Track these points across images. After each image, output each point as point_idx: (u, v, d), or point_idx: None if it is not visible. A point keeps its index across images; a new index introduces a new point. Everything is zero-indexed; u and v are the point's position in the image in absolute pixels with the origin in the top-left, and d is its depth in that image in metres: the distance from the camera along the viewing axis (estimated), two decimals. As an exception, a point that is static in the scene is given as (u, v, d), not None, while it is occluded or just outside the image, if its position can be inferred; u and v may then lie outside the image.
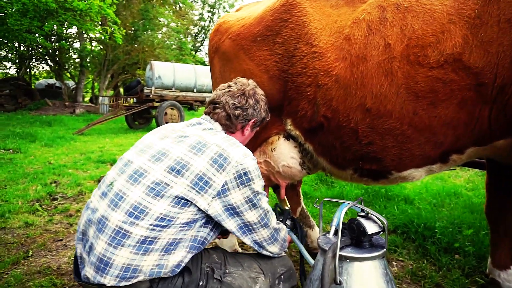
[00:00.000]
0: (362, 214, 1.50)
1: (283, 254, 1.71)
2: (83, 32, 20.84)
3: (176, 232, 1.41)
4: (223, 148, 1.49)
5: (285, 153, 2.20)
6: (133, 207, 1.38)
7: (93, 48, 24.92)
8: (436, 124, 1.70)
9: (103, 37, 18.55)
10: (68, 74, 28.20)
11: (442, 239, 2.85)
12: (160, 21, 24.64)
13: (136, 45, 23.88)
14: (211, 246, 1.84)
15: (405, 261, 2.72)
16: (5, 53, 24.55)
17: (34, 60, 26.88)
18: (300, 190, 2.95)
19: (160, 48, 23.55)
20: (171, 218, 1.39)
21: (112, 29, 17.14)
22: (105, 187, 1.51)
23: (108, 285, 1.35)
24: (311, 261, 1.66)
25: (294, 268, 1.73)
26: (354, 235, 1.45)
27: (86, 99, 31.72)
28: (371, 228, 1.42)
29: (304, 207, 2.93)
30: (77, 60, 25.61)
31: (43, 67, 32.35)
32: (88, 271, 1.38)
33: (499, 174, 2.10)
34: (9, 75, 29.31)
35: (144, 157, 1.51)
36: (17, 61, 25.98)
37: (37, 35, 16.15)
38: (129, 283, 1.36)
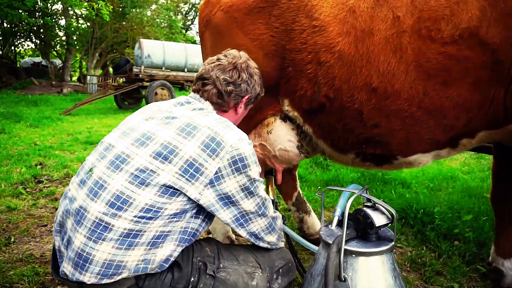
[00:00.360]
0: (368, 204, 1.38)
1: (281, 245, 1.59)
2: (68, 8, 20.08)
3: (164, 224, 1.28)
4: (215, 131, 1.33)
5: (282, 136, 2.06)
6: (115, 197, 1.24)
7: (79, 25, 24.15)
8: (448, 106, 1.58)
9: (89, 14, 17.87)
10: (54, 53, 27.45)
11: (441, 225, 2.77)
12: (149, -3, 23.91)
13: (124, 23, 23.23)
14: (203, 237, 1.71)
15: (404, 247, 2.64)
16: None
17: (18, 37, 25.93)
18: (296, 174, 2.83)
19: (149, 26, 22.92)
20: (158, 209, 1.25)
21: (99, 5, 16.53)
22: (84, 174, 1.36)
23: (88, 283, 1.22)
24: (314, 247, 1.56)
25: (293, 261, 1.62)
26: (360, 227, 1.33)
27: (74, 78, 31.04)
28: (378, 219, 1.30)
29: (301, 191, 2.81)
30: (64, 37, 24.83)
31: (28, 45, 31.42)
32: (66, 267, 1.25)
33: (507, 160, 1.99)
34: (-8, 53, 28.34)
35: (127, 140, 1.35)
36: (0, 38, 25.04)
37: (20, 10, 15.49)
38: (112, 280, 1.23)
